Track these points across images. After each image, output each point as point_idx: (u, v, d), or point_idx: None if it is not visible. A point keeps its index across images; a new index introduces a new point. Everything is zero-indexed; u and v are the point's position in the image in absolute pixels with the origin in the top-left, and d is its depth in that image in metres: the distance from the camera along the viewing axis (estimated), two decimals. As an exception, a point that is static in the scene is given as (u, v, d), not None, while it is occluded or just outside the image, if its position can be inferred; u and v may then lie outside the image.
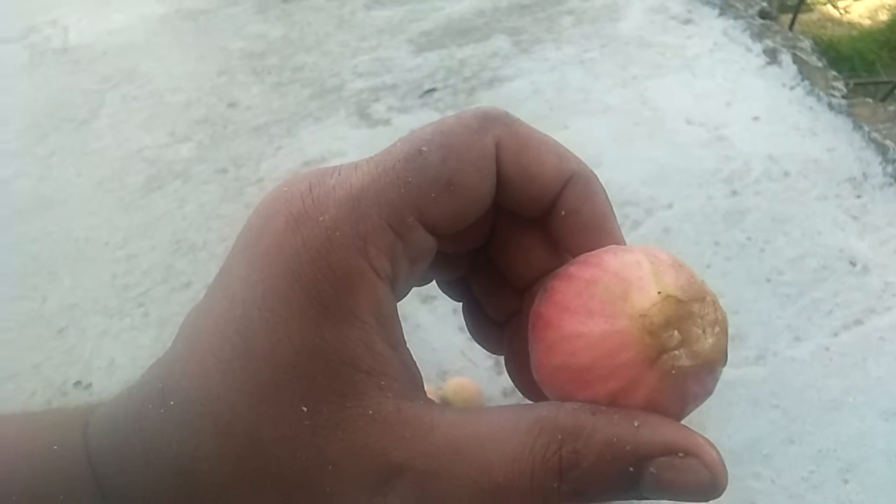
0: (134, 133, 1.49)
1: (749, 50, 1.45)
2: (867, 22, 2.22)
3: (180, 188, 1.35)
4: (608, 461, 0.20)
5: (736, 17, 1.51)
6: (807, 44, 1.51)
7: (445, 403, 0.95)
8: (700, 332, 0.21)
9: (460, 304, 0.31)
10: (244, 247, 0.22)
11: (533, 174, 0.24)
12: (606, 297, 0.21)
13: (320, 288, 0.21)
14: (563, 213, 0.24)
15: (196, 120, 1.50)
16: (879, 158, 1.18)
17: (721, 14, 1.52)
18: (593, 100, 1.38)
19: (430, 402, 0.22)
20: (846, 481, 0.79)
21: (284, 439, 0.21)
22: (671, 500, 0.20)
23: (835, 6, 2.23)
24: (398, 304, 0.23)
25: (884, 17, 2.22)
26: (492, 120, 0.24)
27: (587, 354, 0.21)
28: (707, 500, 0.20)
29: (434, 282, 0.30)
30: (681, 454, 0.20)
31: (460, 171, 0.23)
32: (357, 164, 0.23)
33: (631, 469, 0.19)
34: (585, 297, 0.22)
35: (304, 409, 0.20)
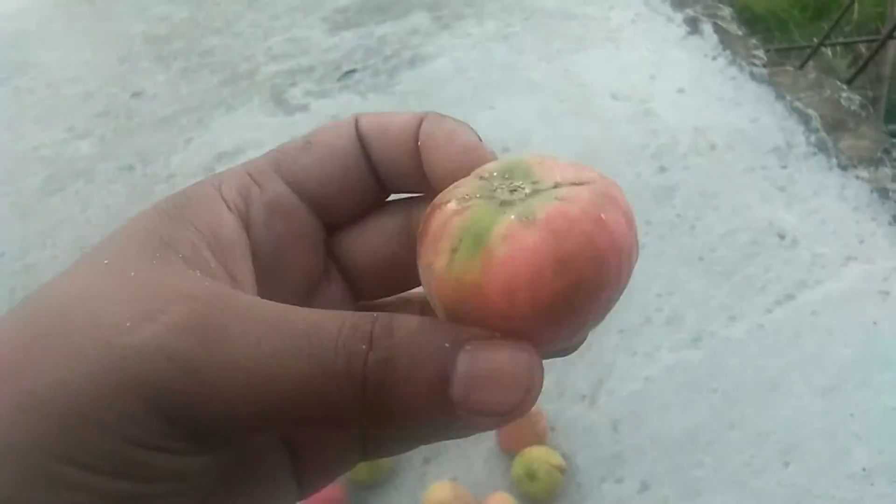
0: (28, 129, 1.38)
1: (670, 20, 1.44)
2: (780, -17, 2.25)
3: (82, 189, 1.25)
4: (422, 337, 0.19)
5: (656, -13, 1.49)
6: (726, 11, 1.50)
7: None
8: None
9: None
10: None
11: (387, 125, 0.25)
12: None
13: (167, 204, 0.23)
14: (420, 143, 0.25)
15: (97, 112, 1.39)
16: (802, 128, 1.18)
17: (641, -17, 1.50)
18: (518, 77, 1.34)
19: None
20: (787, 464, 0.79)
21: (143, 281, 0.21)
22: (485, 400, 0.18)
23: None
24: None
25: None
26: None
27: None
28: (519, 403, 0.19)
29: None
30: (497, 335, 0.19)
31: (318, 133, 0.26)
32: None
33: (447, 345, 0.18)
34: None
35: (133, 274, 0.20)
